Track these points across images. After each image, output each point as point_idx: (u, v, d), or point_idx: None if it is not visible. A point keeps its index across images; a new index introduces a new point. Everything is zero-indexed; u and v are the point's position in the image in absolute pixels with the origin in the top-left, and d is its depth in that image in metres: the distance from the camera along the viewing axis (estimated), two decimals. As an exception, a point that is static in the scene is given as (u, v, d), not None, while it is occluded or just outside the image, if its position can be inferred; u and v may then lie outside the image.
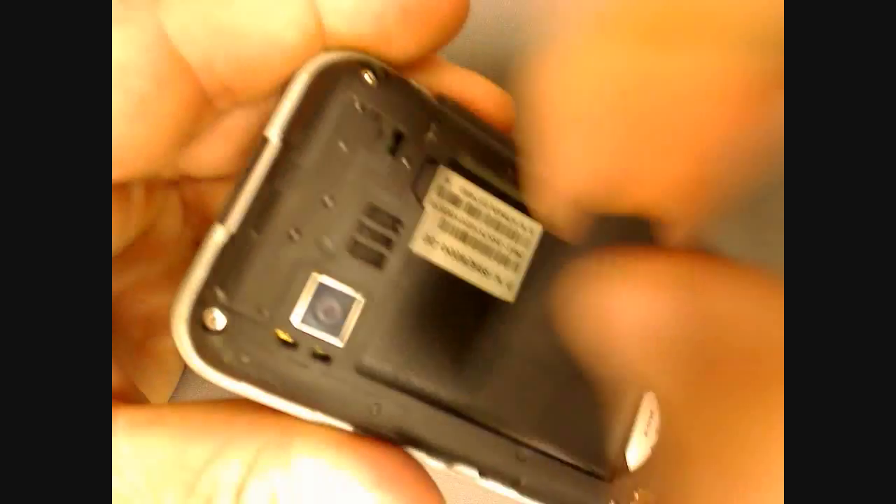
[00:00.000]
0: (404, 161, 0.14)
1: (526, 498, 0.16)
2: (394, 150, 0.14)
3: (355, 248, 0.14)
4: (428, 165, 0.15)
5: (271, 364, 0.13)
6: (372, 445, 0.13)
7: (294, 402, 0.13)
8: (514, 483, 0.16)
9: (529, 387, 0.16)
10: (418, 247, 0.15)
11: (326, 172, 0.14)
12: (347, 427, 0.14)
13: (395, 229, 0.15)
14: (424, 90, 0.15)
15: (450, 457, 0.15)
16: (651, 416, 0.18)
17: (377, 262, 0.14)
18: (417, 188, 0.15)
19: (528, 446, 0.16)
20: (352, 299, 0.14)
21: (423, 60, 0.16)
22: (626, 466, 0.18)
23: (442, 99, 0.15)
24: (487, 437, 0.16)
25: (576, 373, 0.17)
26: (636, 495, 0.17)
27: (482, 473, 0.16)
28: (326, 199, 0.14)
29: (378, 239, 0.14)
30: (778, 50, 0.11)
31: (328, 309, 0.14)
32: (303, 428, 0.13)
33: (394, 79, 0.15)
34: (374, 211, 0.14)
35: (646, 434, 0.18)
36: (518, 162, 0.16)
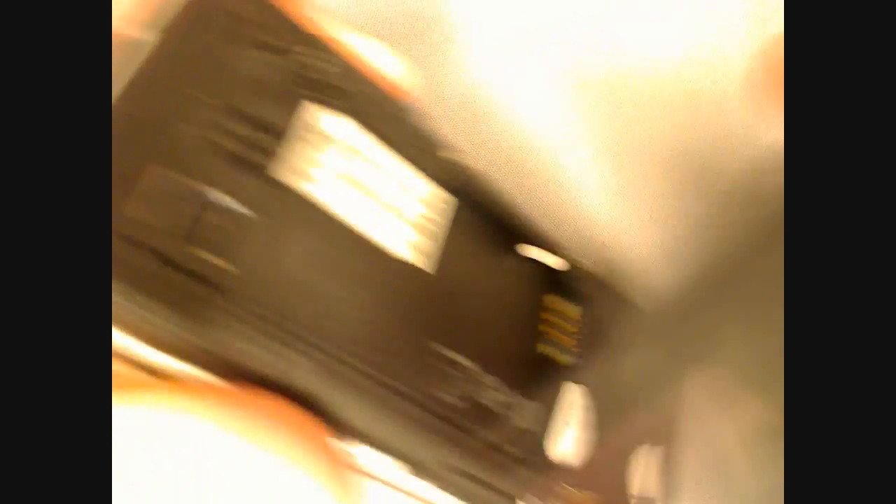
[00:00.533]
0: (281, 73, 0.14)
1: (429, 483, 0.15)
2: (270, 62, 0.13)
3: (217, 148, 0.13)
4: (314, 94, 0.14)
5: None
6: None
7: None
8: (422, 468, 0.15)
9: (437, 351, 0.16)
10: (290, 178, 0.14)
11: (189, 66, 0.12)
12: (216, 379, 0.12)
13: (269, 139, 0.13)
14: (313, 27, 0.15)
15: (352, 433, 0.14)
16: (574, 408, 0.17)
17: (248, 167, 0.13)
18: (299, 110, 0.14)
19: (440, 417, 0.15)
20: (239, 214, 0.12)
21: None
22: (548, 456, 0.17)
23: (334, 42, 0.15)
24: (400, 405, 0.14)
25: (490, 347, 0.16)
26: (560, 489, 0.17)
27: (390, 455, 0.14)
28: (189, 91, 0.12)
29: (246, 144, 0.13)
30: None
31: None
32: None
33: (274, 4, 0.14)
34: (241, 116, 0.13)
35: (568, 425, 0.17)
36: (406, 121, 0.16)
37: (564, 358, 0.18)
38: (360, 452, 0.14)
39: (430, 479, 0.15)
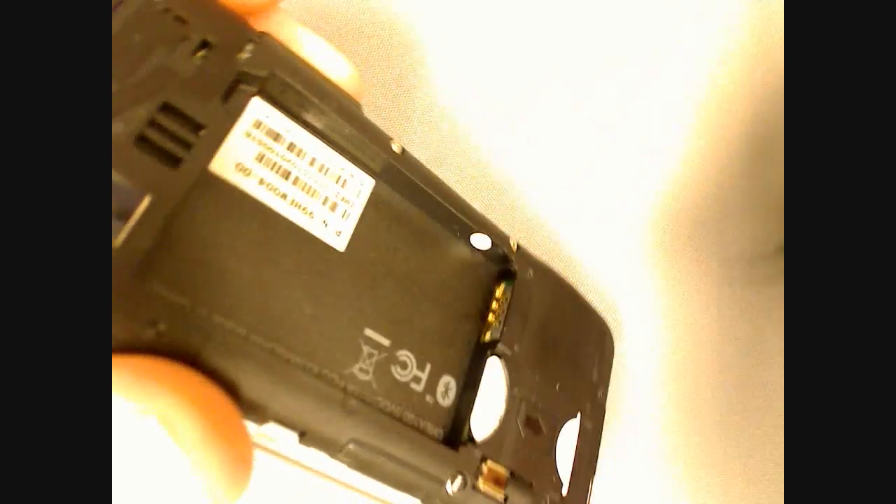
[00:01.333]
0: (211, 71, 0.14)
1: (347, 467, 0.14)
2: (200, 58, 0.14)
3: (143, 144, 0.13)
4: (245, 88, 0.15)
5: None
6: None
7: None
8: (337, 448, 0.14)
9: (353, 329, 0.15)
10: (228, 171, 0.14)
11: (118, 62, 0.13)
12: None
13: (195, 133, 0.13)
14: (243, 19, 0.15)
15: (260, 412, 0.13)
16: (497, 383, 0.17)
17: (171, 161, 0.13)
18: (228, 103, 0.14)
19: (356, 396, 0.14)
20: (137, 196, 0.12)
21: (271, 13, 0.16)
22: (472, 435, 0.16)
23: (264, 34, 0.15)
24: (309, 382, 0.14)
25: (409, 325, 0.16)
26: (485, 468, 0.16)
27: (302, 436, 0.14)
28: (116, 86, 0.12)
29: (173, 139, 0.13)
30: None
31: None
32: None
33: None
34: (170, 110, 0.13)
35: (491, 402, 0.17)
36: (353, 118, 0.16)
37: (493, 336, 0.18)
38: (275, 433, 0.13)
39: (346, 460, 0.14)
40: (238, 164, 0.15)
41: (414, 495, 0.15)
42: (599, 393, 0.21)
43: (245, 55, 0.14)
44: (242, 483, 0.11)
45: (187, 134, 0.13)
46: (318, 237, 0.16)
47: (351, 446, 0.14)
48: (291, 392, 0.13)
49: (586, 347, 0.21)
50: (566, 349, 0.20)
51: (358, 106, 0.17)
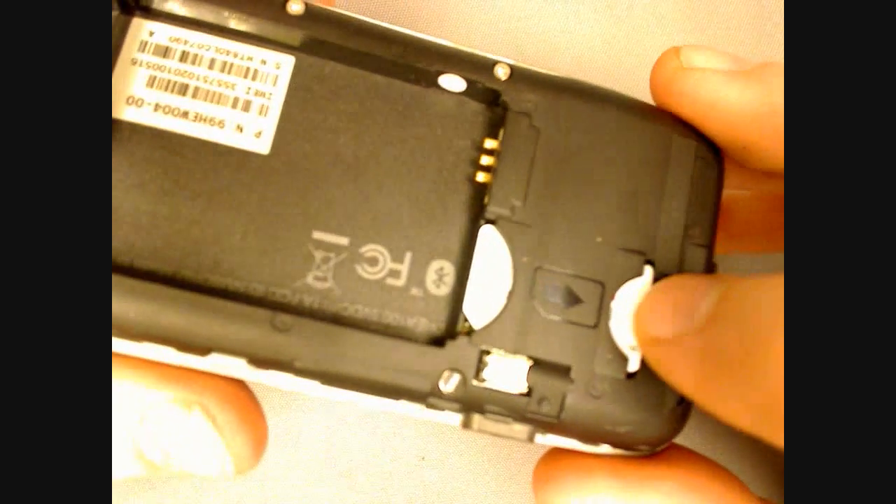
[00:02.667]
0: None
1: (309, 381, 0.13)
2: None
3: None
4: (122, 17, 0.14)
5: None
6: None
7: None
8: (288, 367, 0.13)
9: (297, 237, 0.14)
10: (121, 110, 0.13)
11: None
12: None
13: None
14: None
15: (199, 345, 0.13)
16: (498, 254, 0.14)
17: None
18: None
19: (289, 309, 0.13)
20: None
21: None
22: (466, 322, 0.14)
23: None
24: (232, 308, 0.13)
25: (373, 215, 0.14)
26: (491, 359, 0.14)
27: (250, 361, 0.13)
28: None
29: None
30: None
31: None
32: None
33: None
34: None
35: (495, 279, 0.14)
36: None
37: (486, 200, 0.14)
38: (222, 361, 0.13)
39: (306, 377, 0.13)
40: (129, 98, 0.14)
41: (400, 399, 0.14)
42: (696, 231, 0.15)
43: None
44: (261, 453, 0.14)
45: None
46: (234, 147, 0.14)
47: (297, 363, 0.13)
48: (217, 322, 0.13)
49: (653, 177, 0.15)
50: (611, 187, 0.15)
51: None
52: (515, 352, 0.14)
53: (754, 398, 0.11)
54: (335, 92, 0.15)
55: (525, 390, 0.14)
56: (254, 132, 0.14)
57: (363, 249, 0.14)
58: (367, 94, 0.15)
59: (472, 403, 0.13)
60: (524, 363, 0.14)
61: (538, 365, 0.14)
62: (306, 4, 0.14)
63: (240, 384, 0.14)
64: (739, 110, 0.14)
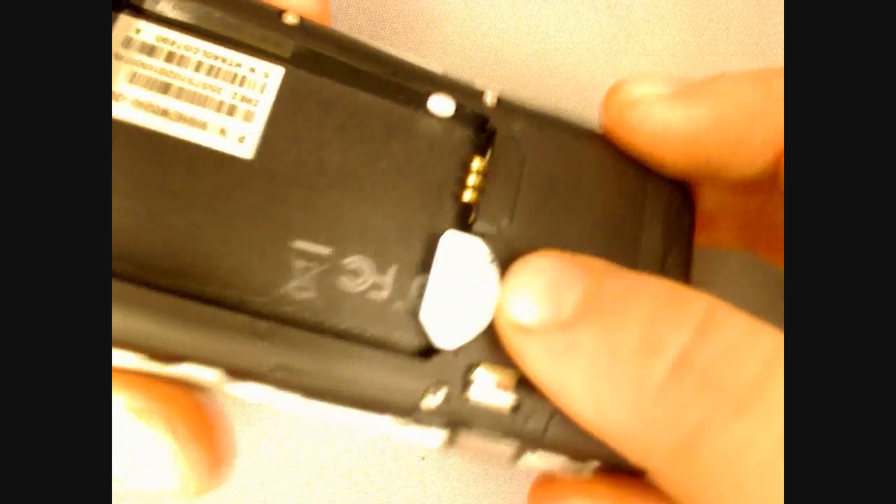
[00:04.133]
0: None
1: (290, 394, 0.13)
2: None
3: None
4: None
5: None
6: None
7: None
8: (262, 377, 0.13)
9: (277, 244, 0.14)
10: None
11: None
12: None
13: None
14: None
15: (172, 353, 0.12)
16: (480, 269, 0.14)
17: None
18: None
19: (268, 317, 0.13)
20: None
21: None
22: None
23: None
24: (211, 314, 0.12)
25: (357, 227, 0.14)
26: (479, 374, 0.13)
27: (225, 372, 0.13)
28: None
29: None
30: None
31: None
32: None
33: None
34: None
35: (447, 282, 0.14)
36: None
37: (471, 218, 0.15)
38: (195, 371, 0.13)
39: (280, 386, 0.13)
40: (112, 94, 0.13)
41: (385, 414, 0.13)
42: (669, 260, 0.16)
43: None
44: (224, 471, 0.13)
45: None
46: (215, 149, 0.14)
47: (278, 373, 0.12)
48: (193, 328, 0.12)
49: (631, 211, 0.16)
50: (592, 217, 0.15)
51: None
52: (502, 366, 0.14)
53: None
54: (324, 106, 0.15)
55: (512, 405, 0.13)
56: (237, 136, 0.14)
57: (346, 261, 0.14)
58: (355, 110, 0.15)
59: (458, 419, 0.13)
60: (511, 377, 0.14)
61: (525, 379, 0.13)
62: (301, 18, 0.14)
63: (202, 394, 0.13)
64: (687, 130, 0.15)
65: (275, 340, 0.12)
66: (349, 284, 0.14)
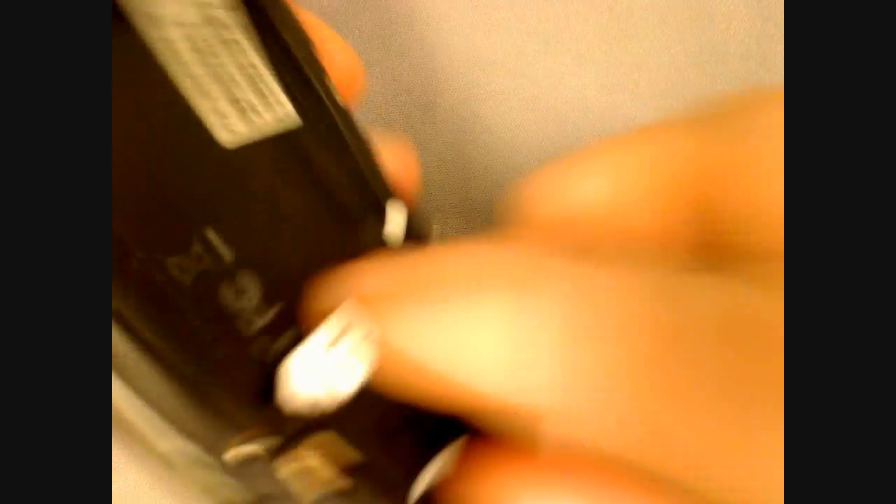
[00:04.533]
0: None
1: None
2: None
3: None
4: None
5: None
6: None
7: None
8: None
9: (190, 219, 0.13)
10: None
11: None
12: None
13: None
14: None
15: None
16: (346, 330, 0.13)
17: None
18: None
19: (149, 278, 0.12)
20: None
21: None
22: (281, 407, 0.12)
23: None
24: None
25: (272, 257, 0.13)
26: (301, 453, 0.12)
27: None
28: None
29: None
30: None
31: None
32: None
33: None
34: None
35: (328, 350, 0.13)
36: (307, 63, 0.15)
37: None
38: None
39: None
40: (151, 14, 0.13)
41: (192, 442, 0.12)
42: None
43: None
44: None
45: None
46: (203, 120, 0.13)
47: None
48: None
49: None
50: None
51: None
52: (349, 443, 0.13)
53: None
54: (308, 167, 0.15)
55: (332, 490, 0.13)
56: (230, 125, 0.13)
57: (241, 274, 0.13)
58: (330, 192, 0.15)
59: (261, 488, 0.12)
60: (354, 459, 0.13)
61: (366, 468, 0.13)
62: (348, 108, 0.15)
63: None
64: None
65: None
66: (227, 296, 0.13)
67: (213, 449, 0.11)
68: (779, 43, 0.31)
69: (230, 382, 0.12)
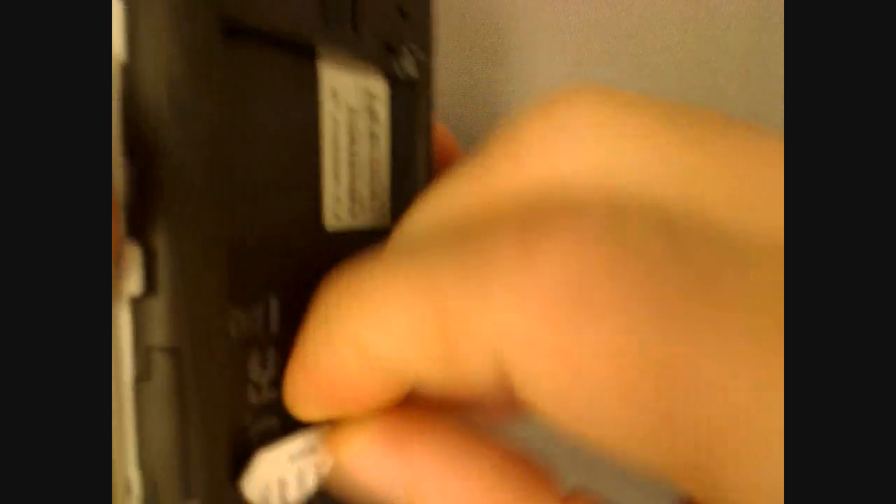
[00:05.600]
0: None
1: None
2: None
3: None
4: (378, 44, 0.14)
5: None
6: None
7: None
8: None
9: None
10: (326, 88, 0.13)
11: None
12: None
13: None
14: None
15: None
16: (309, 452, 0.13)
17: None
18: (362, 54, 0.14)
19: None
20: None
21: None
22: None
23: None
24: None
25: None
26: None
27: None
28: None
29: None
30: None
31: None
32: None
33: None
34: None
35: (291, 461, 0.13)
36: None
37: None
38: None
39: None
40: (333, 90, 0.14)
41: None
42: None
43: (395, 21, 0.14)
44: None
45: None
46: (322, 200, 0.14)
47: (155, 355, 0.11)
48: None
49: None
50: None
51: None
52: None
53: None
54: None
55: None
56: (340, 213, 0.14)
57: (271, 349, 0.13)
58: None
59: None
60: None
61: None
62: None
63: None
64: None
65: None
66: (254, 363, 0.13)
67: (166, 498, 0.11)
68: (779, 43, 0.31)
69: (215, 440, 0.12)
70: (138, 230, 0.11)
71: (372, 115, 0.14)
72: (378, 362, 0.12)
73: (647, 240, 0.10)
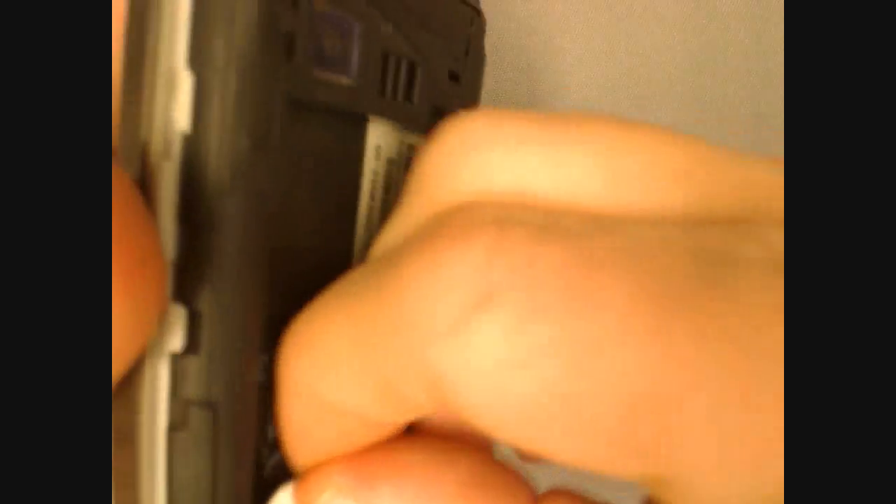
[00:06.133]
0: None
1: None
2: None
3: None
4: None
5: None
6: None
7: None
8: None
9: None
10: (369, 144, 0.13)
11: None
12: None
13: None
14: None
15: None
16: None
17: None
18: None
19: None
20: None
21: None
22: None
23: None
24: None
25: None
26: None
27: None
28: None
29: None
30: None
31: None
32: None
33: None
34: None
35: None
36: None
37: None
38: None
39: None
40: (377, 147, 0.14)
41: None
42: None
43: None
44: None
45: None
46: (353, 248, 0.14)
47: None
48: None
49: None
50: None
51: None
52: None
53: None
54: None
55: None
56: (365, 244, 0.14)
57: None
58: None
59: None
60: None
61: None
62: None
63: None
64: None
65: None
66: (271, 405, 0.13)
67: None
68: (779, 43, 0.31)
69: (242, 482, 0.12)
70: (185, 292, 0.11)
71: (406, 164, 0.15)
72: (337, 410, 0.11)
73: (527, 240, 0.10)
